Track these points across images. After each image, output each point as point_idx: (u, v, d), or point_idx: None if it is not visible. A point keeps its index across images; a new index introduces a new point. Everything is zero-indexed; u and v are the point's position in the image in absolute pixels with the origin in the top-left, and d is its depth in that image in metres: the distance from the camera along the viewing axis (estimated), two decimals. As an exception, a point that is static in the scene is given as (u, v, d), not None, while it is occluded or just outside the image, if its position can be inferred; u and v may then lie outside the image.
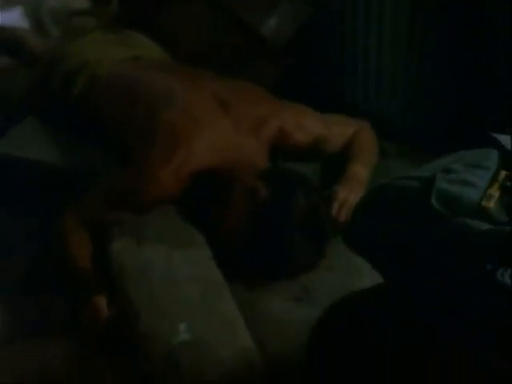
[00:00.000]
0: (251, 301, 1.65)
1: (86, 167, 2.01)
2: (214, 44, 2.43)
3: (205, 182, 1.79)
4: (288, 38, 2.38)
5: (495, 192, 1.05)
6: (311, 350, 1.25)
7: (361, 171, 1.89)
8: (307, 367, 1.26)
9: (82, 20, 2.74)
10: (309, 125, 1.94)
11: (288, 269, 1.69)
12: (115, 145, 1.99)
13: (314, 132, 1.93)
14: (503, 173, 1.09)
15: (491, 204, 1.04)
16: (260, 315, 1.62)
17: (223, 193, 1.76)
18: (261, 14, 2.39)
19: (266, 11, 2.39)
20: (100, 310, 1.67)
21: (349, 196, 1.80)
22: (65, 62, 2.20)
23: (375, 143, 2.03)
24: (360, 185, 1.84)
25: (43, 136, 2.12)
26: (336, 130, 2.00)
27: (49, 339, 1.58)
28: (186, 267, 1.68)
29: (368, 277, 1.51)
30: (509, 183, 1.07)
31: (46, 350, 1.55)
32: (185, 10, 2.48)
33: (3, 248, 1.84)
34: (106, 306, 1.67)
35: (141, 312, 1.56)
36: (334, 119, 2.02)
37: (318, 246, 1.73)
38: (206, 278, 1.66)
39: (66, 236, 1.79)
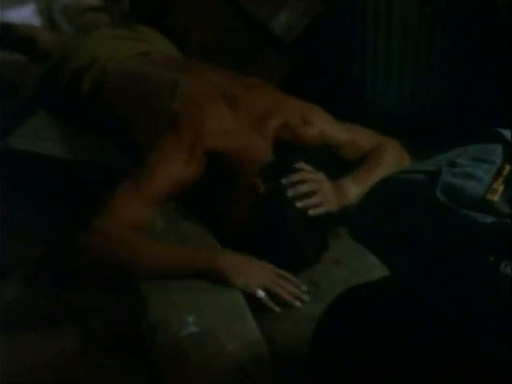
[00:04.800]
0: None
1: (96, 161, 2.02)
2: (223, 39, 2.44)
3: (210, 178, 1.81)
4: (298, 35, 2.39)
5: (499, 186, 1.06)
6: (315, 342, 1.26)
7: (350, 188, 1.85)
8: (311, 359, 1.27)
9: (93, 16, 2.75)
10: (315, 121, 1.92)
11: (290, 263, 1.71)
12: (125, 139, 2.01)
13: (321, 129, 1.92)
14: (508, 167, 1.10)
15: (495, 197, 1.04)
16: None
17: (227, 189, 1.78)
18: (271, 9, 2.40)
19: (276, 7, 2.39)
20: None
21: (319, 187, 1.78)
22: (74, 58, 2.22)
23: (398, 160, 1.95)
24: (336, 198, 1.81)
25: (53, 131, 2.13)
26: (354, 136, 1.96)
27: (58, 331, 1.59)
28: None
29: (376, 271, 1.52)
30: (513, 177, 1.08)
31: (55, 342, 1.55)
32: (195, 6, 2.49)
33: (14, 239, 1.85)
34: None
35: (150, 304, 1.58)
36: (354, 127, 1.99)
37: (318, 241, 1.77)
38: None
39: (122, 243, 1.67)
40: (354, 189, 1.84)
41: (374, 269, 1.50)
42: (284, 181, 1.74)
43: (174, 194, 1.80)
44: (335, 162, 1.95)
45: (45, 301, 1.65)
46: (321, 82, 2.33)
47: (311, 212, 1.74)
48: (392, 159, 1.94)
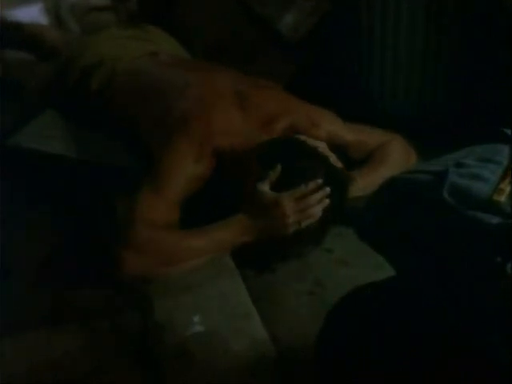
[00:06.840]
0: (265, 293, 1.66)
1: (103, 161, 2.02)
2: (230, 38, 2.44)
3: (217, 178, 1.82)
4: (304, 34, 2.38)
5: (506, 186, 1.06)
6: (321, 342, 1.26)
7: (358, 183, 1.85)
8: (317, 359, 1.27)
9: (101, 15, 2.76)
10: (323, 123, 1.92)
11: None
12: (132, 139, 2.01)
13: (329, 130, 1.91)
14: (514, 168, 1.10)
15: (502, 198, 1.04)
16: (274, 308, 1.63)
17: (234, 189, 1.78)
18: (278, 9, 2.40)
19: (283, 7, 2.39)
20: None
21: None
22: (82, 58, 2.23)
23: (404, 157, 1.97)
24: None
25: (61, 130, 2.14)
26: (361, 136, 1.97)
27: (59, 331, 1.59)
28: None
29: (381, 272, 1.52)
30: (520, 178, 1.07)
31: (56, 341, 1.55)
32: (201, 5, 2.49)
33: (20, 238, 1.86)
34: None
35: (155, 304, 1.59)
36: (361, 127, 2.00)
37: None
38: (219, 270, 1.68)
39: (162, 246, 1.68)
40: (359, 184, 1.84)
41: (380, 269, 1.50)
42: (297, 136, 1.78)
43: (189, 191, 1.80)
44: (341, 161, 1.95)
45: (46, 300, 1.65)
46: (327, 82, 2.32)
47: (332, 160, 1.76)
48: (398, 156, 1.95)
